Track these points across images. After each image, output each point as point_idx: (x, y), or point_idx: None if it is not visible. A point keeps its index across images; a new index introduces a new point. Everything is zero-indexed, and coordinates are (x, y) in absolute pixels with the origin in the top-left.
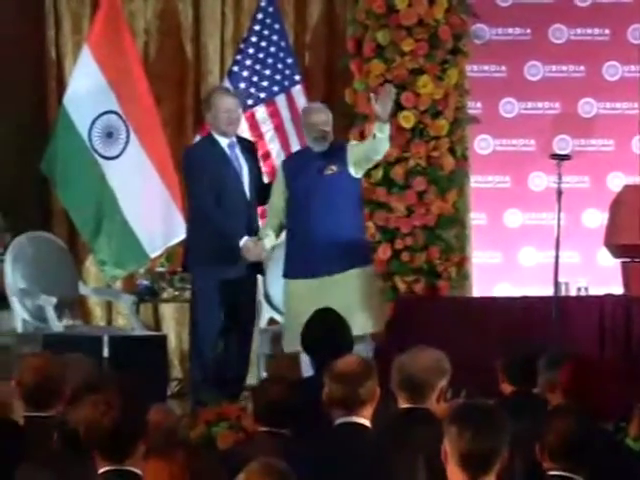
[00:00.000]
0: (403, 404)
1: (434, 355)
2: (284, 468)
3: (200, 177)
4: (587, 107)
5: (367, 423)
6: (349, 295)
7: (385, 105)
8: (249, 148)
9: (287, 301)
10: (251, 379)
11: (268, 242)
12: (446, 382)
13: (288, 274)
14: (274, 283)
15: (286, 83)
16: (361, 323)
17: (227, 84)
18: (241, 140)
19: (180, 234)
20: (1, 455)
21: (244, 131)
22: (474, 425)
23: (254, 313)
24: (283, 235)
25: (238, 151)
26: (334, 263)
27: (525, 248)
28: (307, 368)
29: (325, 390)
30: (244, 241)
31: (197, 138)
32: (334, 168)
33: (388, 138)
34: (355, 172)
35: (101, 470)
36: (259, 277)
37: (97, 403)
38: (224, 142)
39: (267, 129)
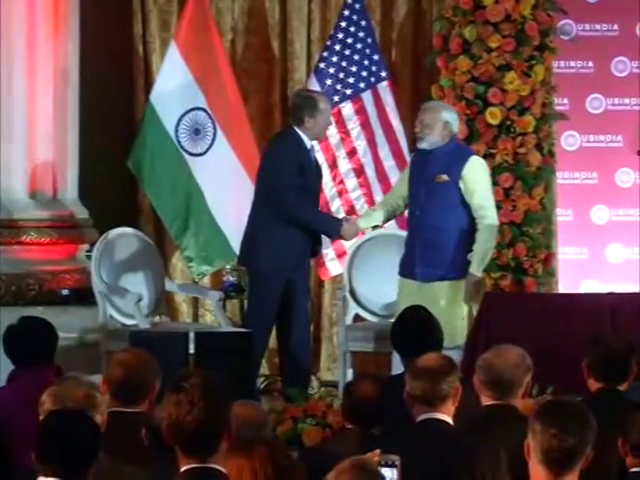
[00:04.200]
0: (487, 401)
1: (518, 352)
2: (375, 468)
3: (293, 174)
4: None
5: (449, 420)
6: (438, 306)
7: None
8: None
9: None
10: (335, 376)
11: (363, 222)
12: (530, 378)
13: (399, 271)
14: (360, 279)
15: (372, 79)
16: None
17: (313, 81)
18: None
19: None
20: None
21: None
22: (558, 422)
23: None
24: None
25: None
26: (429, 271)
27: (612, 245)
28: (397, 366)
29: (406, 387)
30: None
31: None
32: (445, 177)
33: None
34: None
35: (184, 468)
36: (345, 274)
37: (180, 402)
38: (307, 143)
39: (353, 126)
